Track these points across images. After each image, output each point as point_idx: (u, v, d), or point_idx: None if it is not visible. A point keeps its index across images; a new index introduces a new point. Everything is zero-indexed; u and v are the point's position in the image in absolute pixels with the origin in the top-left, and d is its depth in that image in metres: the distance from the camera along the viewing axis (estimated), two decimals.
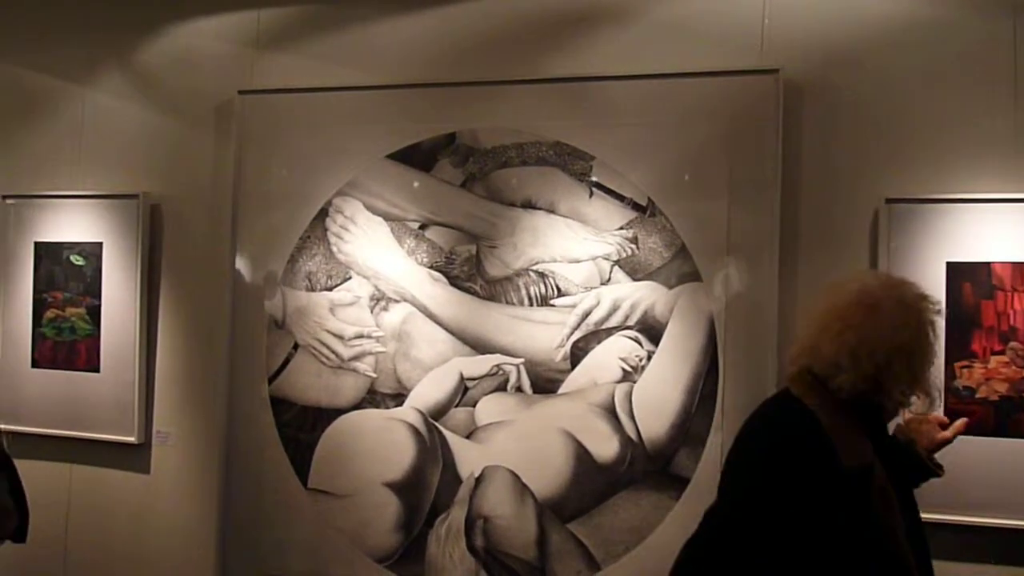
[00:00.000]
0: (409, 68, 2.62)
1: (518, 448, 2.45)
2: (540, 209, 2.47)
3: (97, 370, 2.85)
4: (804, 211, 2.30)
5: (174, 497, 2.81)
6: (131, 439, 2.82)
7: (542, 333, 2.45)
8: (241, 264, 2.72)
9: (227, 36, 2.83)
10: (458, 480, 2.50)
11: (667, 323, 2.34)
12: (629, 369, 2.37)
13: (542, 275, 2.46)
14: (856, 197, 2.26)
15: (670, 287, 2.35)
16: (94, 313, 2.86)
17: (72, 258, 2.90)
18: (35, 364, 2.93)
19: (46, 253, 2.93)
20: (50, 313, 2.92)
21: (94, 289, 2.86)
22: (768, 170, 2.28)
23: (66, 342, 2.89)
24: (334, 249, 2.64)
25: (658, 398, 2.34)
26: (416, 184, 2.58)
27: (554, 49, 2.53)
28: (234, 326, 2.71)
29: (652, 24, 2.45)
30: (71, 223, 2.91)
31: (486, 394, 2.49)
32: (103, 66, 2.96)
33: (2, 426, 2.77)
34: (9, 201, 3.00)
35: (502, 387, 2.48)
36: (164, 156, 2.87)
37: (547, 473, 2.42)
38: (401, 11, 2.66)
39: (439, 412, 2.52)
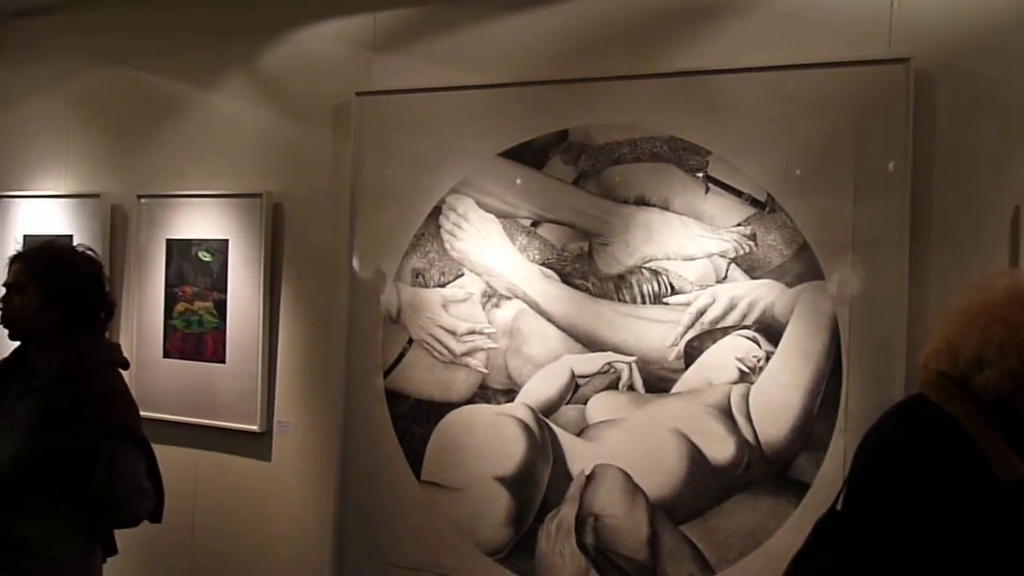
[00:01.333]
0: (521, 66, 2.64)
1: (630, 447, 2.43)
2: (654, 206, 2.44)
3: (223, 361, 3.00)
4: (937, 207, 2.18)
5: (293, 484, 2.93)
6: (254, 428, 2.94)
7: (655, 331, 2.41)
8: (358, 260, 2.80)
9: (345, 39, 2.91)
10: (568, 477, 2.50)
11: (787, 323, 2.27)
12: (746, 370, 2.31)
13: (655, 272, 2.43)
14: (995, 192, 2.13)
15: (790, 286, 2.28)
16: (220, 307, 3.00)
17: (200, 254, 3.05)
18: (166, 355, 3.11)
19: (176, 249, 3.10)
20: (180, 306, 3.08)
21: (220, 284, 3.00)
22: (897, 164, 2.18)
23: (194, 334, 3.05)
24: (447, 246, 2.68)
25: (777, 400, 2.27)
26: (528, 181, 2.59)
27: (668, 42, 2.48)
28: (351, 320, 2.79)
29: (771, 13, 2.37)
30: (199, 221, 3.06)
31: (597, 392, 2.48)
32: (228, 72, 3.10)
33: None
34: (143, 200, 3.18)
35: (613, 385, 2.46)
36: (285, 156, 2.98)
37: (659, 473, 2.39)
38: (513, 9, 2.67)
39: (550, 409, 2.53)
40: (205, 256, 3.04)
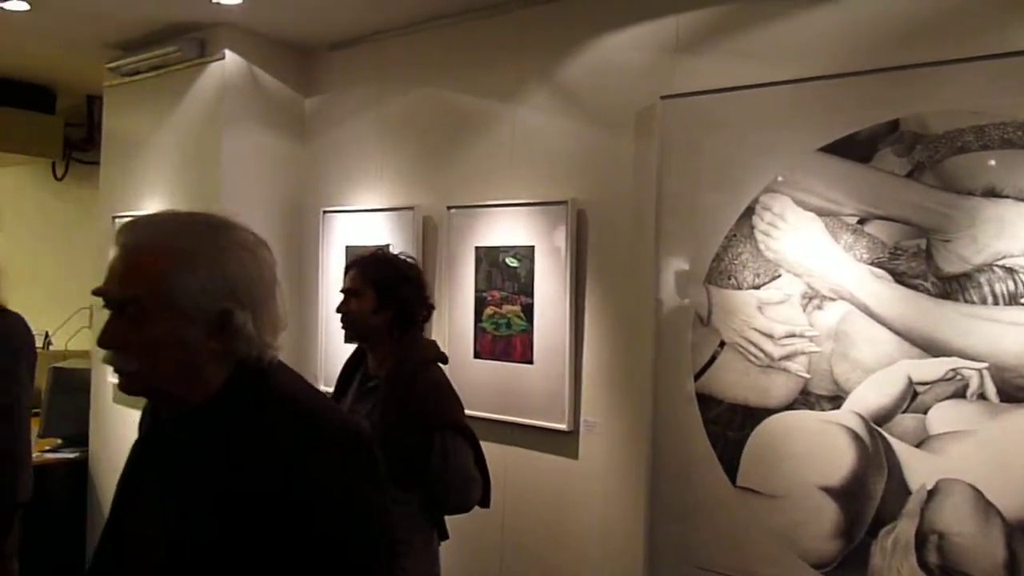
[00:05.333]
0: (840, 56, 2.51)
1: (981, 462, 2.23)
2: (1007, 197, 2.21)
3: (531, 362, 3.13)
4: None
5: (601, 483, 2.99)
6: (561, 427, 3.05)
7: (1011, 335, 2.19)
8: (665, 263, 2.81)
9: (646, 45, 2.93)
10: (906, 491, 2.34)
11: None
12: None
13: (1011, 271, 2.20)
14: None
15: None
16: (527, 310, 3.14)
17: (507, 260, 3.21)
18: (476, 355, 3.30)
19: (485, 256, 3.29)
20: (489, 310, 3.26)
21: (527, 288, 3.14)
22: None
23: (503, 336, 3.22)
24: (761, 247, 2.62)
25: None
26: (853, 176, 2.45)
27: (1015, 17, 2.25)
28: (659, 323, 2.81)
29: None
30: (506, 229, 3.23)
31: (940, 400, 2.30)
32: (530, 85, 3.24)
33: None
34: (452, 211, 3.41)
35: (960, 394, 2.26)
36: (588, 164, 3.06)
37: (1018, 492, 2.17)
38: None
39: (883, 418, 2.38)
40: (512, 262, 3.20)
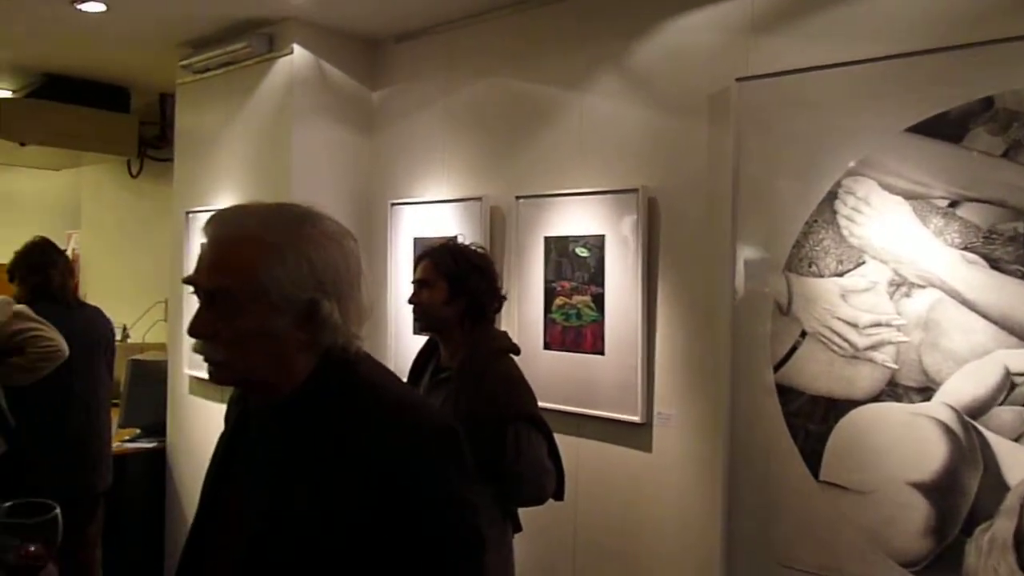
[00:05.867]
0: (927, 32, 2.39)
1: None
2: None
3: (602, 353, 3.09)
4: None
5: (676, 476, 2.93)
6: (635, 419, 2.99)
7: None
8: (741, 251, 2.73)
9: (719, 26, 2.85)
10: (1004, 487, 2.22)
11: None
12: None
13: None
14: None
15: None
16: (598, 300, 3.10)
17: (577, 250, 3.17)
18: (546, 346, 3.27)
19: (554, 246, 3.25)
20: (559, 300, 3.23)
21: (598, 278, 3.09)
22: None
23: (573, 327, 3.18)
24: (845, 233, 2.52)
25: None
26: (943, 157, 2.34)
27: None
28: (735, 312, 2.73)
29: None
30: (575, 218, 3.18)
31: None
32: (599, 72, 3.18)
33: None
34: (520, 201, 3.37)
35: None
36: (659, 150, 2.99)
37: None
38: None
39: (978, 410, 2.27)
40: (582, 252, 3.15)
